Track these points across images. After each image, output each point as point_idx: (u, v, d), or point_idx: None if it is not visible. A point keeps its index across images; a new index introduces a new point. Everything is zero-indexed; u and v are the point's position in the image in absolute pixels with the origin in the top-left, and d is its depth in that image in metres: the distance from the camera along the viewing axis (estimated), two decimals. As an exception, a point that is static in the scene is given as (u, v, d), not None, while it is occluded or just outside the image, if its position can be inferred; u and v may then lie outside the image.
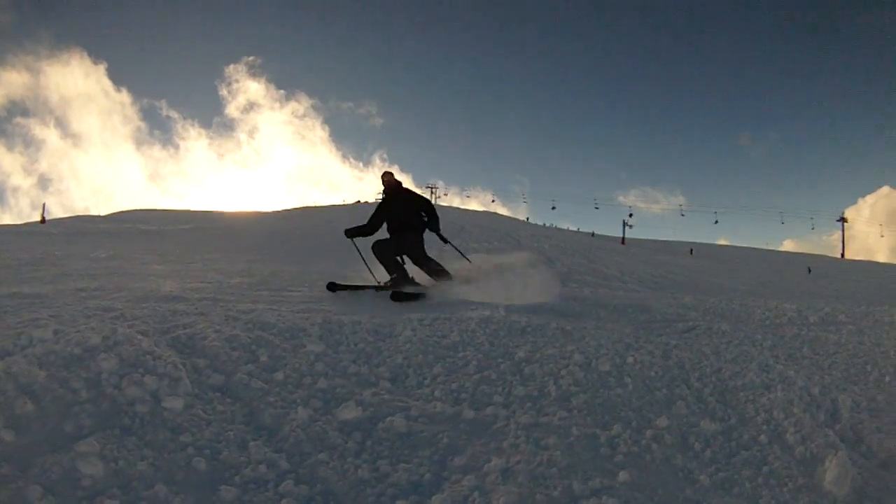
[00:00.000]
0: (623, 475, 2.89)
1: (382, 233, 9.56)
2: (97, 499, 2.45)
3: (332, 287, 8.38)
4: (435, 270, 9.42)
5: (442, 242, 9.93)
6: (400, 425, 3.21)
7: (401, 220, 9.49)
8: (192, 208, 27.18)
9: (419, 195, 10.01)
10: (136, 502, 2.47)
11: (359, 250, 9.60)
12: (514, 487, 2.71)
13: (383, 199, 9.92)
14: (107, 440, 2.85)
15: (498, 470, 2.85)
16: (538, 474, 2.83)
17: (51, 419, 3.02)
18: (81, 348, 3.81)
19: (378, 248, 9.46)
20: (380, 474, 2.80)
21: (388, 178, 10.00)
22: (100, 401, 3.21)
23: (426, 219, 9.55)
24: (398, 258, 9.40)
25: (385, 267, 9.44)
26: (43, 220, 23.86)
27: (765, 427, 3.56)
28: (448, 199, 69.24)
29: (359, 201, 20.78)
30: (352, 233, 9.69)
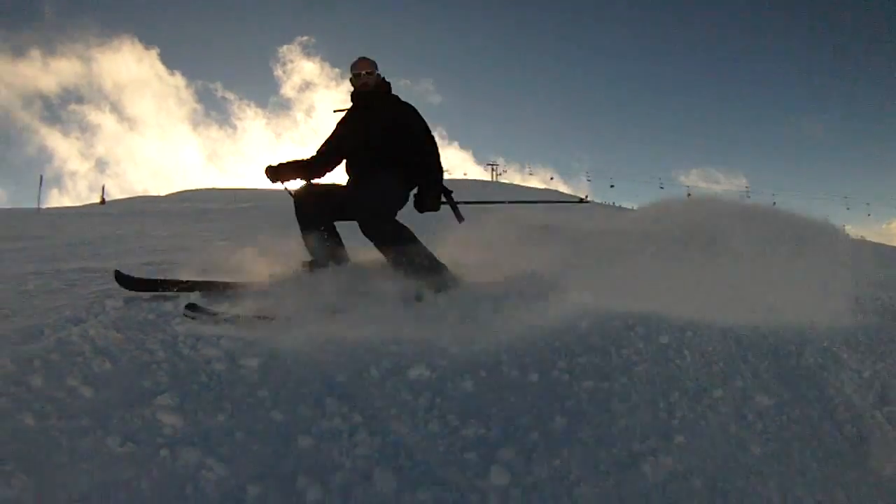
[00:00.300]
0: (679, 438, 2.93)
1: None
2: (177, 446, 2.57)
3: (123, 280, 4.65)
4: (419, 266, 4.91)
5: (457, 220, 5.71)
6: (468, 386, 3.26)
7: (370, 152, 5.26)
8: (251, 187, 27.34)
9: (419, 118, 5.32)
10: (217, 448, 2.58)
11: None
12: (577, 444, 2.79)
13: (348, 110, 5.56)
14: (185, 395, 2.98)
15: (562, 428, 2.90)
16: (600, 433, 2.89)
17: (128, 377, 3.16)
18: (155, 314, 3.99)
19: (305, 203, 5.28)
20: (450, 428, 2.87)
21: (362, 71, 5.34)
22: (176, 360, 3.34)
23: (425, 167, 5.25)
24: (334, 227, 5.37)
25: (306, 239, 5.33)
26: (103, 202, 24.38)
27: (817, 405, 3.52)
28: (508, 175, 67.86)
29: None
30: (278, 172, 5.36)
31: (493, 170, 61.41)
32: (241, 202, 19.23)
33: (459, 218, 5.69)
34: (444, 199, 5.57)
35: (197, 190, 25.50)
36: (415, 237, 5.08)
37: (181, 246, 7.98)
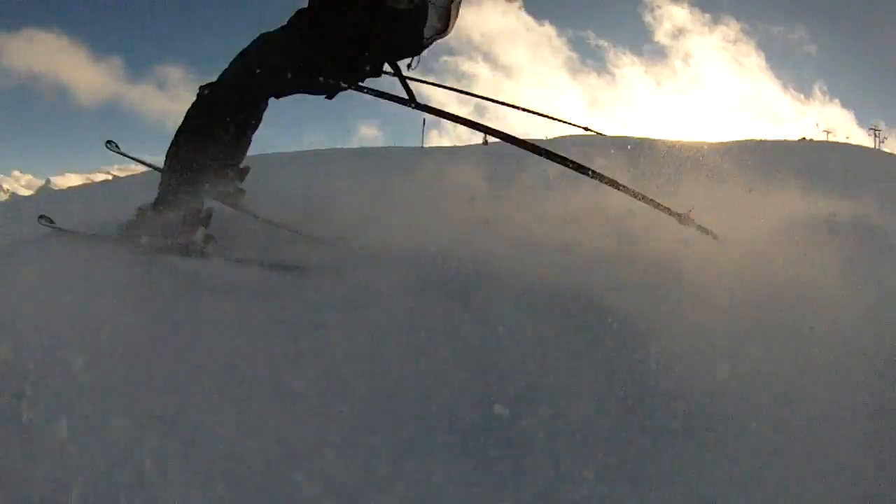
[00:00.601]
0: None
1: None
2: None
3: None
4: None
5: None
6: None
7: None
8: (634, 135, 26.27)
9: None
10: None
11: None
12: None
13: None
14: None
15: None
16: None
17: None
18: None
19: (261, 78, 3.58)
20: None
21: None
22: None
23: None
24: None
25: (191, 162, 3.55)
26: (485, 142, 24.64)
27: None
28: (889, 144, 58.27)
29: (803, 138, 17.68)
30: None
31: (875, 135, 52.38)
32: (621, 150, 18.15)
33: (410, 100, 3.65)
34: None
35: (575, 136, 24.77)
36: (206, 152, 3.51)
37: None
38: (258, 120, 3.90)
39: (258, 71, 3.57)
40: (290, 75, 3.61)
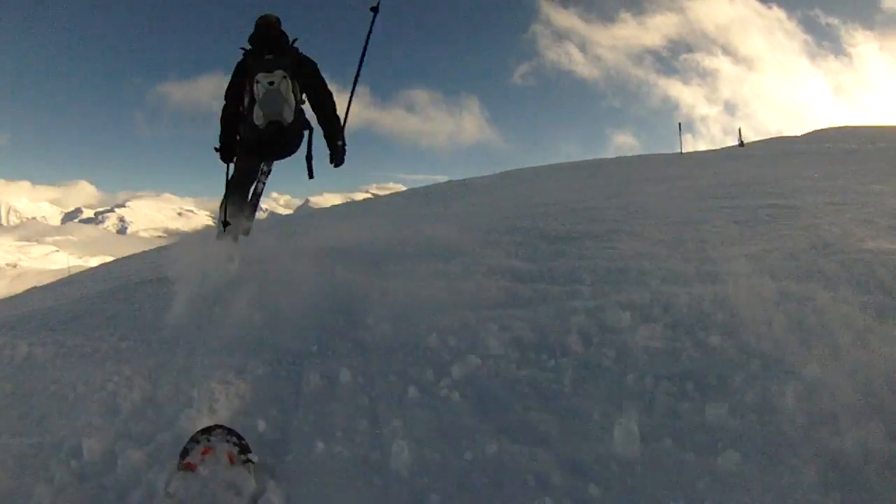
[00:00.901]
0: None
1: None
2: None
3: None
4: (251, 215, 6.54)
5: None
6: None
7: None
8: (890, 123, 24.56)
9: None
10: None
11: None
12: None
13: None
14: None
15: None
16: None
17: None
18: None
19: (245, 175, 6.27)
20: None
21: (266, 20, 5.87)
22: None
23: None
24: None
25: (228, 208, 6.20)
26: (741, 144, 24.80)
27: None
28: None
29: None
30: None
31: None
32: (881, 142, 17.42)
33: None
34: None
35: (832, 129, 23.84)
36: (235, 192, 6.15)
37: (841, 187, 7.82)
38: (255, 186, 6.37)
39: (238, 174, 6.23)
40: (249, 167, 6.22)
